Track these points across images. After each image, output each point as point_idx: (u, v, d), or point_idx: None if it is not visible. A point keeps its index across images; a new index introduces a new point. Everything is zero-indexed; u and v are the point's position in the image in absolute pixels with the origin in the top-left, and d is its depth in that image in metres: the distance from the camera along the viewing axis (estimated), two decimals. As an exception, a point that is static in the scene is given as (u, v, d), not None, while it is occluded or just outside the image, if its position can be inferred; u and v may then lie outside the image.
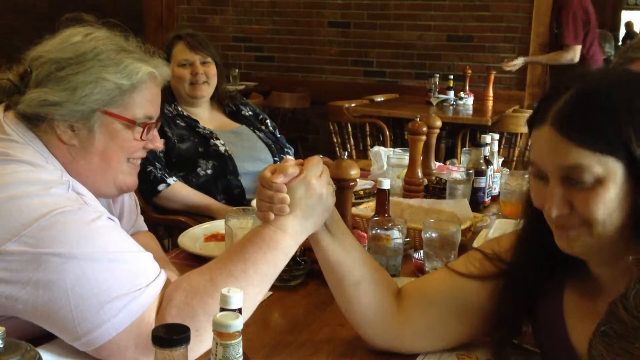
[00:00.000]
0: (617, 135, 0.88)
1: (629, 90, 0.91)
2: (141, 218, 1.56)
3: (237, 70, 5.59)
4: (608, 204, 0.90)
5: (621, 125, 0.87)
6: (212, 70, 2.49)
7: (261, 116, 2.71)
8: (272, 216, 1.14)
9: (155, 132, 1.31)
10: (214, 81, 2.50)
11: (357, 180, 1.54)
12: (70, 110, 1.18)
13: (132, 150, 1.27)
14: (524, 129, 3.89)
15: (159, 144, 1.33)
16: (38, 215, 1.06)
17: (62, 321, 1.05)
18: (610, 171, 0.89)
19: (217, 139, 2.41)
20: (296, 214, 1.14)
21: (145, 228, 1.58)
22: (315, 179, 1.13)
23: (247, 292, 0.91)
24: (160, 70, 1.29)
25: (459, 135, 4.11)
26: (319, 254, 1.23)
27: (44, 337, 1.15)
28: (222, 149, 2.39)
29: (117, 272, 1.07)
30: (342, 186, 1.46)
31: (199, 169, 2.35)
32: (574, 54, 4.36)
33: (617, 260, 0.95)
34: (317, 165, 1.15)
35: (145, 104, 1.26)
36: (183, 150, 2.35)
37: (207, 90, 2.49)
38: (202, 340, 1.05)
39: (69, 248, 1.05)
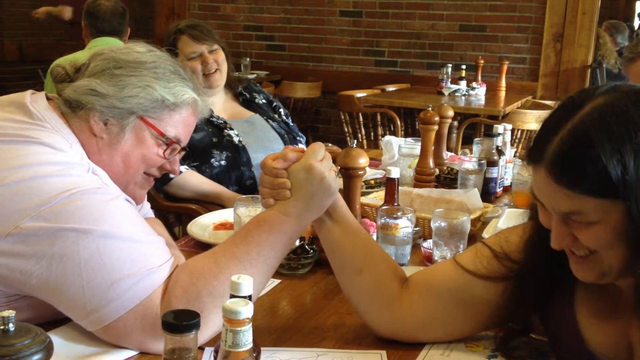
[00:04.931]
0: (613, 180, 0.87)
1: (625, 127, 0.88)
2: (148, 205, 1.58)
3: (248, 59, 5.58)
4: (609, 238, 0.92)
5: (616, 170, 0.87)
6: (221, 56, 2.48)
7: (274, 103, 2.70)
8: (273, 202, 1.16)
9: (177, 157, 1.35)
10: (224, 67, 2.49)
11: (367, 169, 1.54)
12: (112, 105, 1.23)
13: (151, 163, 1.30)
14: (531, 126, 3.87)
15: (176, 169, 1.37)
16: (57, 193, 1.08)
17: (72, 297, 1.07)
18: (608, 212, 0.91)
19: (231, 129, 2.41)
20: (297, 198, 1.15)
21: (152, 215, 1.60)
22: (316, 163, 1.14)
23: (251, 274, 0.93)
24: (203, 103, 1.36)
25: (477, 127, 4.08)
26: (322, 240, 1.23)
27: (52, 323, 1.17)
28: (235, 139, 2.38)
29: (130, 251, 1.09)
30: (350, 174, 1.46)
31: (212, 160, 2.35)
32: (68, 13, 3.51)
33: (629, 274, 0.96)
34: (318, 150, 1.16)
35: (179, 125, 1.31)
36: (197, 140, 2.33)
37: (221, 79, 2.49)
38: (206, 322, 1.06)
39: (85, 224, 1.07)
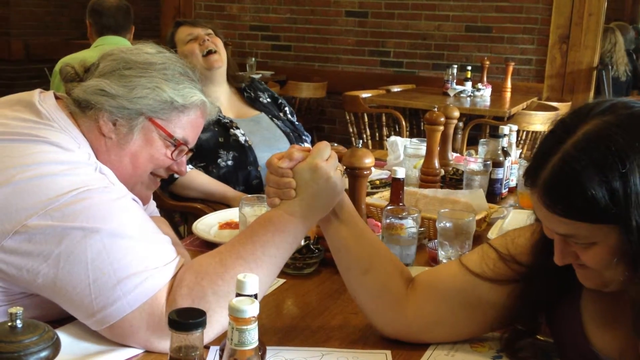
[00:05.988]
0: (604, 208, 0.88)
1: (614, 156, 0.89)
2: (153, 204, 1.58)
3: (253, 59, 5.58)
4: (608, 259, 0.94)
5: (605, 199, 0.88)
6: (219, 42, 2.47)
7: (280, 101, 2.69)
8: (279, 201, 1.16)
9: (184, 159, 1.36)
10: (223, 53, 2.47)
11: (372, 169, 1.54)
12: (121, 105, 1.23)
13: (159, 164, 1.31)
14: (537, 128, 3.86)
15: (183, 170, 1.37)
16: (64, 192, 1.09)
17: (79, 296, 1.07)
18: (605, 235, 0.92)
19: (237, 128, 2.40)
20: (303, 198, 1.15)
21: (158, 213, 1.60)
22: (322, 163, 1.14)
23: (257, 274, 0.93)
24: (211, 105, 1.37)
25: (483, 128, 4.08)
26: (328, 240, 1.23)
27: (58, 321, 1.17)
28: (242, 139, 2.38)
29: (137, 250, 1.09)
30: (356, 174, 1.46)
31: (219, 160, 2.35)
32: None
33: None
34: (324, 150, 1.16)
35: (187, 127, 1.32)
36: (203, 140, 2.31)
37: (221, 60, 2.45)
38: (211, 322, 1.05)
39: (92, 223, 1.07)
